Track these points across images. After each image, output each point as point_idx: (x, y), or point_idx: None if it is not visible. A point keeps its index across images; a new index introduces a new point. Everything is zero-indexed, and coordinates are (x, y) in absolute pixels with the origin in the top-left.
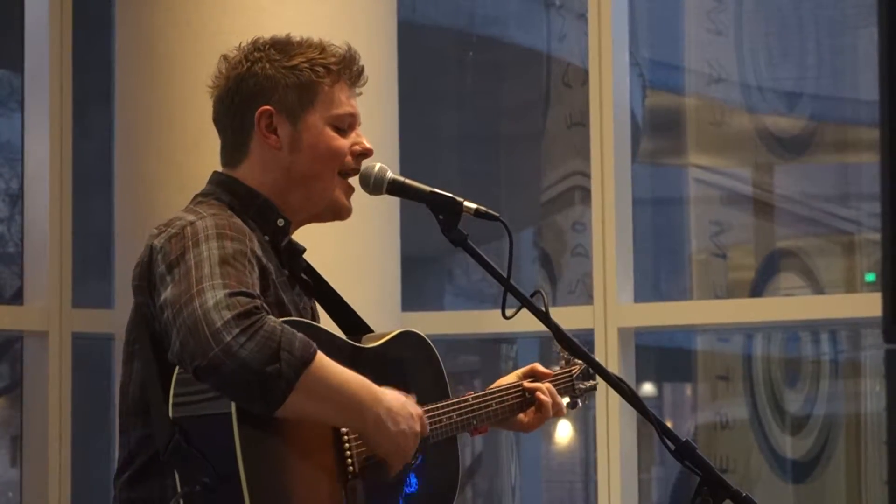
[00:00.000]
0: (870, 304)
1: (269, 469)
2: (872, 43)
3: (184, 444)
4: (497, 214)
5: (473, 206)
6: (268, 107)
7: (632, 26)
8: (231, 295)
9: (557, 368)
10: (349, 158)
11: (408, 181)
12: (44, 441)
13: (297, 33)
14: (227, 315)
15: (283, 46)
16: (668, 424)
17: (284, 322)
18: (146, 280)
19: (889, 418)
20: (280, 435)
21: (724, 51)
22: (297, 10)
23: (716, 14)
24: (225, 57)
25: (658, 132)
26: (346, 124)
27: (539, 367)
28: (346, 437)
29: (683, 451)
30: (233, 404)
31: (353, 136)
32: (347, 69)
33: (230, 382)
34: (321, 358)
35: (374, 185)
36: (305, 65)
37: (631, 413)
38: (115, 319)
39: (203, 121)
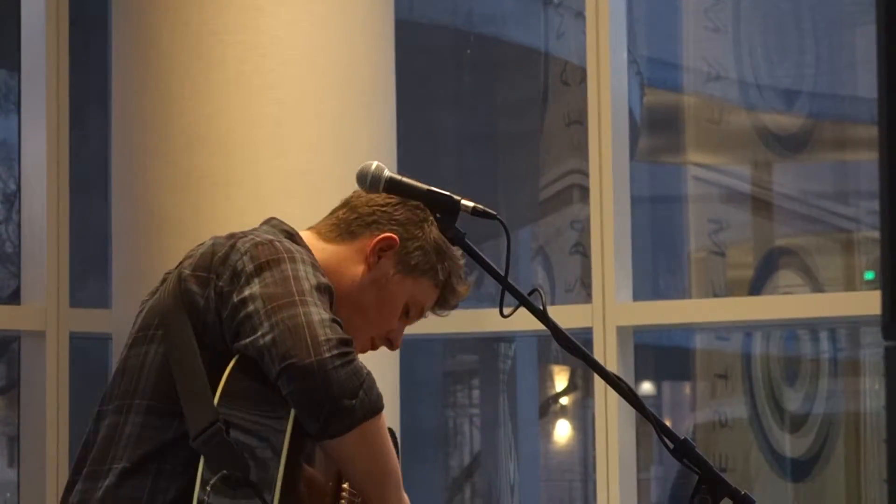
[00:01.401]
0: (869, 302)
1: (295, 490)
2: (871, 40)
3: (224, 433)
4: (495, 213)
5: (471, 204)
6: (398, 239)
7: (630, 24)
8: (334, 321)
9: None
10: (381, 334)
11: (405, 179)
12: (41, 441)
13: (295, 32)
14: (332, 335)
15: (452, 249)
16: (667, 423)
17: None
18: (214, 272)
19: (888, 416)
20: (311, 464)
21: (723, 48)
22: (296, 10)
23: (714, 12)
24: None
25: (656, 130)
26: (409, 313)
27: None
28: (344, 493)
29: (682, 450)
30: (291, 416)
31: (401, 322)
32: (452, 299)
33: (309, 394)
34: (383, 416)
35: (371, 183)
36: (449, 264)
37: (630, 412)
38: (112, 319)
39: (200, 121)
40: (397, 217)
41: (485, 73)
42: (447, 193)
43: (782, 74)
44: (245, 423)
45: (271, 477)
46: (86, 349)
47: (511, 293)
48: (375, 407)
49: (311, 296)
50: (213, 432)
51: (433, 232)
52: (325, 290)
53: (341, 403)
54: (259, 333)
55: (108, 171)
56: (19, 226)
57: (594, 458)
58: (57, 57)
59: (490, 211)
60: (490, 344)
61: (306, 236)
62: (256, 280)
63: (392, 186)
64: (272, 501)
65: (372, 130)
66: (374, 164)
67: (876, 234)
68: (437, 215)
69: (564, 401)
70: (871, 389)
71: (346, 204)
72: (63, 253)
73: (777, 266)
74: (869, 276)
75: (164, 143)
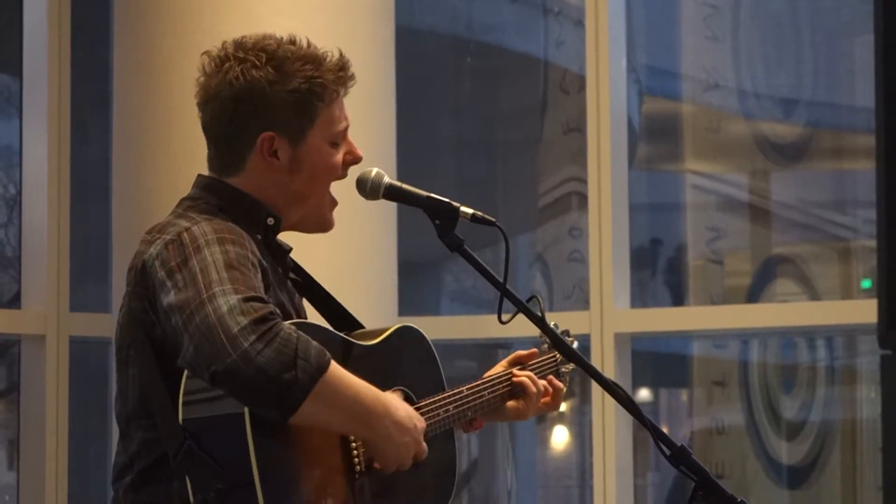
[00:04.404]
0: (865, 311)
1: (281, 472)
2: (868, 50)
3: (196, 450)
4: (494, 219)
5: (470, 211)
6: (270, 133)
7: (629, 33)
8: (245, 300)
9: (544, 347)
10: (338, 173)
11: (405, 186)
12: (41, 445)
13: (301, 38)
14: (244, 321)
15: (279, 63)
16: (664, 430)
17: (294, 324)
18: (142, 286)
19: (884, 424)
20: (291, 436)
21: (721, 57)
22: (295, 18)
23: (712, 21)
24: (210, 59)
25: (655, 138)
26: (341, 138)
27: (521, 352)
28: (353, 441)
29: (679, 457)
30: (245, 410)
31: (344, 146)
32: (343, 82)
33: (246, 389)
34: (335, 366)
35: (371, 189)
36: (304, 85)
37: (627, 418)
38: (112, 323)
39: (200, 128)
40: (247, 114)
41: (484, 81)
42: (447, 200)
43: (780, 83)
44: (211, 431)
45: (249, 476)
46: (86, 353)
47: (509, 300)
48: (320, 366)
49: (221, 283)
50: (185, 452)
51: (266, 88)
52: (237, 262)
53: (283, 379)
54: (184, 347)
55: (108, 177)
56: (20, 230)
57: (591, 464)
58: (59, 62)
59: (489, 217)
60: (488, 350)
61: (215, 184)
62: (170, 285)
63: (392, 193)
64: (258, 499)
65: (372, 137)
66: (374, 170)
67: (873, 243)
68: (437, 221)
69: (562, 407)
70: (868, 397)
71: (207, 131)
72: (63, 257)
73: (774, 274)
74: (866, 284)
75: (165, 148)
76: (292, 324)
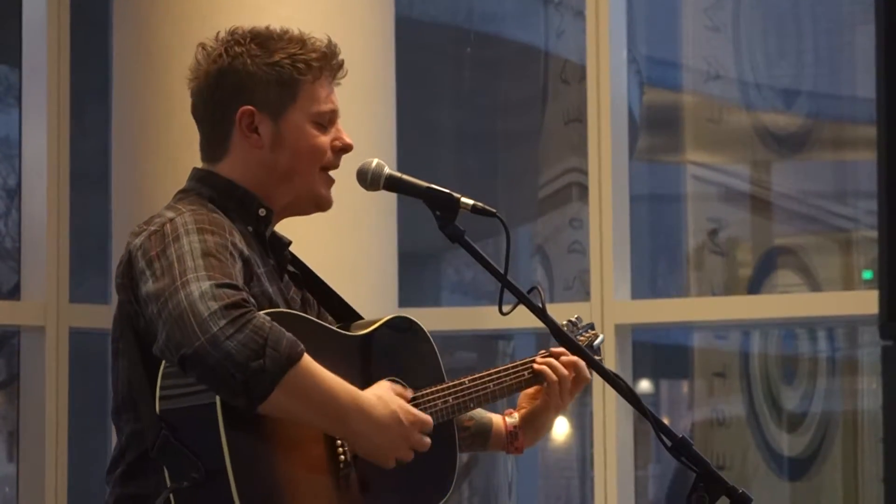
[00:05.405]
0: (867, 302)
1: (257, 462)
2: (870, 40)
3: (171, 440)
4: (494, 210)
5: (470, 202)
6: (249, 107)
7: (630, 23)
8: (217, 286)
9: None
10: (330, 154)
11: (405, 177)
12: (40, 436)
13: (294, 29)
14: (214, 306)
15: (263, 41)
16: (665, 421)
17: (269, 313)
18: (127, 278)
19: (885, 415)
20: (267, 426)
21: (722, 48)
22: (295, 7)
23: (713, 11)
24: (203, 46)
25: (655, 129)
26: (326, 120)
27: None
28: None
29: (680, 448)
30: (218, 400)
31: (333, 132)
32: (328, 64)
33: (214, 374)
34: (308, 360)
35: (372, 180)
36: (287, 61)
37: (628, 410)
38: (112, 315)
39: None
40: (228, 89)
41: (485, 72)
42: (447, 191)
43: (781, 74)
44: (186, 422)
45: (222, 466)
46: (85, 344)
47: (510, 291)
48: (290, 357)
49: (196, 270)
50: (162, 442)
51: (247, 62)
52: (215, 251)
53: (249, 368)
54: (159, 333)
55: (108, 167)
56: (20, 221)
57: (592, 455)
58: (58, 53)
59: (490, 208)
60: (489, 341)
61: (212, 169)
62: (149, 274)
63: (392, 183)
64: (231, 488)
65: (372, 128)
66: (375, 161)
67: (874, 234)
68: (437, 212)
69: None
70: (869, 388)
71: (195, 115)
72: (63, 248)
73: (775, 265)
74: (867, 275)
75: (164, 139)
76: (267, 313)
